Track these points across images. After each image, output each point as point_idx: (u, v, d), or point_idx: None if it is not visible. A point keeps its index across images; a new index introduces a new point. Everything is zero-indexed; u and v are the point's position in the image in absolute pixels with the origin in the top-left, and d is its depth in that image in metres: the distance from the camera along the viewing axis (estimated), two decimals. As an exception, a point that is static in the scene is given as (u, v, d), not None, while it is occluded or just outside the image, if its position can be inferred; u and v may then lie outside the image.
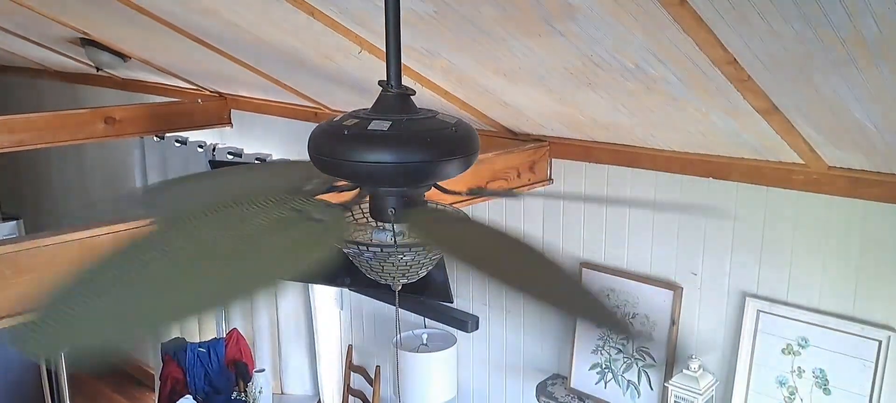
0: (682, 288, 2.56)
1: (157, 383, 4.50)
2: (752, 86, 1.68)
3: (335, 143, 1.06)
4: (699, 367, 2.47)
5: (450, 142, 1.08)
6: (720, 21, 1.42)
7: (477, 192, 1.18)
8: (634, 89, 1.93)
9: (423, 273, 1.17)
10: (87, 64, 4.19)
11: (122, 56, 3.80)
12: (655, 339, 2.58)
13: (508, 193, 2.45)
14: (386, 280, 1.13)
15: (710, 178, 2.33)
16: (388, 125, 1.05)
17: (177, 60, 3.61)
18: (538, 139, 2.71)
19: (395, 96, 1.11)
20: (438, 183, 1.10)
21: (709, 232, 2.46)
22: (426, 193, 1.16)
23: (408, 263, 1.10)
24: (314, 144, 1.08)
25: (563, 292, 0.87)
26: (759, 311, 2.37)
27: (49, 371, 4.70)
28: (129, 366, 5.79)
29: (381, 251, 1.05)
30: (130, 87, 4.71)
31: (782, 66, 1.55)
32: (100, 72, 4.30)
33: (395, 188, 1.06)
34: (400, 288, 1.17)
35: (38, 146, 3.30)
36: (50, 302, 0.81)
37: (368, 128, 1.04)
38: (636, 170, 2.52)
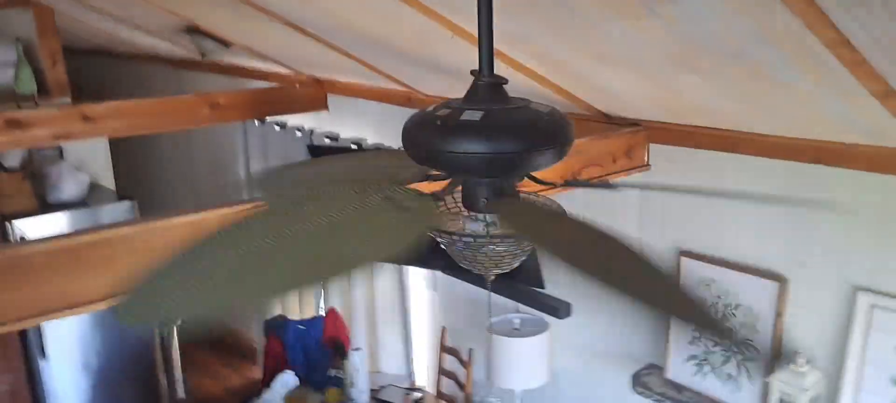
0: (789, 280, 2.44)
1: (261, 357, 4.72)
2: (868, 69, 1.58)
3: (428, 134, 1.06)
4: (806, 363, 2.36)
5: (543, 132, 1.06)
6: (831, 1, 1.34)
7: (572, 183, 1.17)
8: (738, 74, 1.85)
9: (516, 264, 1.17)
10: (192, 51, 4.40)
11: (225, 43, 3.96)
12: (757, 342, 2.48)
13: (605, 185, 2.40)
14: (478, 269, 1.14)
15: (818, 164, 2.20)
16: (480, 115, 1.04)
17: (275, 47, 3.74)
18: (634, 123, 2.64)
19: (486, 85, 1.11)
20: (532, 173, 1.09)
21: (819, 222, 2.33)
22: (519, 183, 1.15)
23: (500, 254, 1.10)
24: (407, 135, 1.09)
25: (660, 293, 0.85)
26: (872, 306, 2.23)
27: (162, 345, 5.00)
28: (236, 341, 6.09)
29: (474, 241, 1.06)
30: (232, 73, 4.91)
31: (903, 46, 1.44)
32: (204, 58, 4.50)
33: (486, 178, 1.06)
34: (492, 278, 1.18)
35: (150, 131, 3.49)
36: (149, 275, 0.88)
37: (461, 118, 1.04)
38: (738, 155, 2.41)
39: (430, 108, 1.11)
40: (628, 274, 0.86)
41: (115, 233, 1.46)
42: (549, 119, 1.08)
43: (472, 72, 1.12)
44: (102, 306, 1.43)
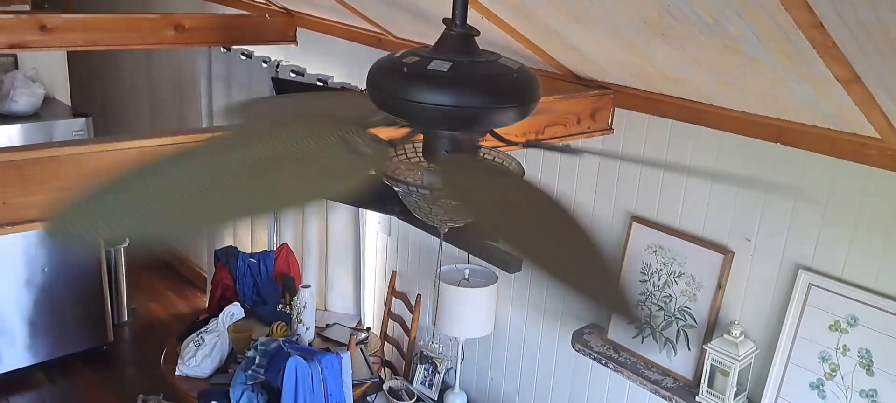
0: (734, 253, 2.50)
1: (209, 287, 4.69)
2: (836, 54, 1.60)
3: (393, 81, 1.05)
4: (740, 333, 2.44)
5: (509, 89, 1.06)
6: (808, -17, 1.35)
7: (534, 144, 1.16)
8: (710, 45, 1.86)
9: (469, 219, 1.17)
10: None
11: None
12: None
13: (566, 149, 2.41)
14: (433, 221, 1.14)
15: (777, 144, 2.25)
16: (448, 66, 1.03)
17: (246, -27, 3.62)
18: (602, 86, 2.64)
19: (458, 36, 1.09)
20: (495, 129, 1.08)
21: (769, 200, 2.39)
22: (481, 139, 1.15)
23: (456, 208, 1.10)
24: (372, 79, 1.08)
25: (591, 280, 0.85)
26: (810, 285, 2.31)
27: (108, 268, 4.93)
28: (185, 268, 6.03)
29: (430, 193, 1.05)
30: (200, -4, 4.76)
31: (872, 35, 1.46)
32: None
33: (449, 131, 1.05)
34: (446, 231, 1.18)
35: (111, 47, 3.37)
36: (86, 192, 0.86)
37: (428, 67, 1.03)
38: (701, 127, 2.44)
39: (399, 54, 1.09)
40: (565, 258, 0.87)
41: (63, 152, 1.42)
42: (517, 77, 1.08)
43: (445, 21, 1.10)
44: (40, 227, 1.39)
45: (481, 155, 1.15)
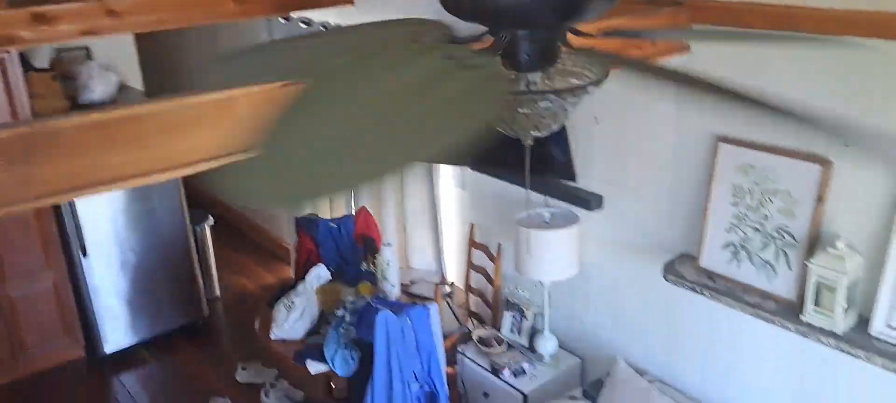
0: (833, 163, 2.35)
1: (293, 255, 4.79)
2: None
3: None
4: (845, 246, 2.30)
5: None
6: None
7: (612, 58, 1.07)
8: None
9: (554, 127, 1.12)
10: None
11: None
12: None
13: (644, 65, 2.29)
14: (516, 132, 1.09)
15: (875, 38, 2.08)
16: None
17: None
18: (676, 2, 2.51)
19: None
20: (576, 27, 1.02)
21: (869, 99, 2.22)
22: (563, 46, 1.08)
23: (540, 114, 1.04)
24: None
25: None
26: (922, 188, 2.16)
27: (196, 245, 5.09)
28: (268, 242, 6.19)
29: (515, 97, 1.00)
30: (257, -32, 4.78)
31: None
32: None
33: (531, 30, 0.99)
34: (530, 142, 1.13)
35: (175, 25, 3.42)
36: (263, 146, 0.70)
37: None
38: (783, 48, 2.28)
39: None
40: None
41: (145, 110, 1.43)
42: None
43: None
44: (133, 183, 1.41)
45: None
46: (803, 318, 2.40)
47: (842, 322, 2.31)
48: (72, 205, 4.38)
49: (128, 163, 1.37)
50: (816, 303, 2.36)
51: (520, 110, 1.03)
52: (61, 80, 4.51)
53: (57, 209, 4.45)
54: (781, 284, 2.55)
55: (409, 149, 0.70)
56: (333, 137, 0.71)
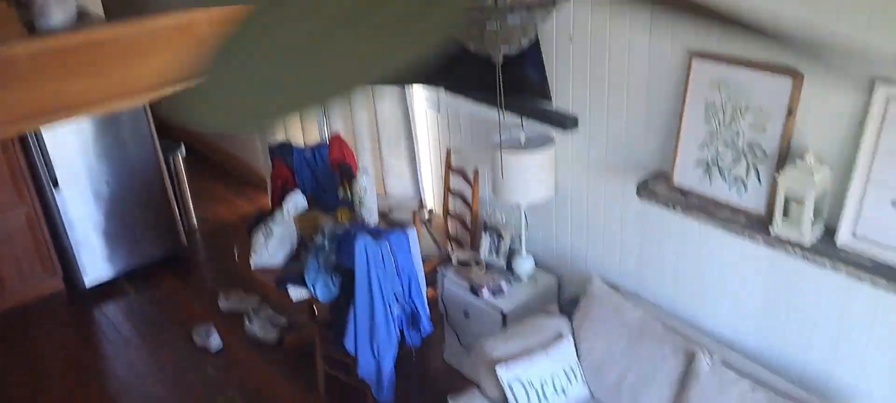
0: (804, 76, 2.36)
1: (269, 183, 4.76)
2: None
3: None
4: (814, 159, 2.33)
5: None
6: None
7: None
8: None
9: (524, 43, 1.10)
10: None
11: None
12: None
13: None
14: (486, 49, 1.07)
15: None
16: None
17: None
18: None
19: None
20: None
21: (841, 9, 2.21)
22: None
23: (509, 29, 1.03)
24: None
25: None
26: (889, 99, 2.18)
27: (170, 174, 5.04)
28: (243, 170, 6.14)
29: (482, 13, 0.98)
30: None
31: None
32: None
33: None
34: (500, 60, 1.11)
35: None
36: (210, 67, 0.69)
37: None
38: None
39: None
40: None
41: (103, 35, 1.39)
42: None
43: None
44: (93, 111, 1.38)
45: None
46: (772, 231, 2.45)
47: (809, 233, 2.36)
48: (38, 137, 4.30)
49: (87, 90, 1.34)
50: (785, 216, 2.41)
51: (488, 27, 1.01)
52: (17, 6, 4.35)
53: (23, 141, 4.36)
54: (751, 199, 2.59)
55: (365, 67, 0.68)
56: (285, 55, 0.69)
